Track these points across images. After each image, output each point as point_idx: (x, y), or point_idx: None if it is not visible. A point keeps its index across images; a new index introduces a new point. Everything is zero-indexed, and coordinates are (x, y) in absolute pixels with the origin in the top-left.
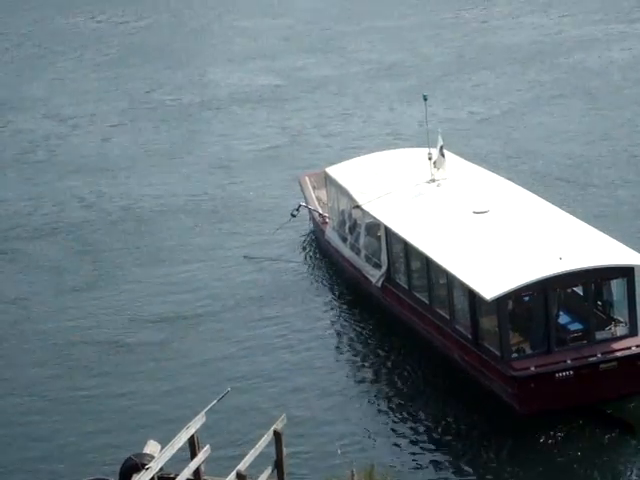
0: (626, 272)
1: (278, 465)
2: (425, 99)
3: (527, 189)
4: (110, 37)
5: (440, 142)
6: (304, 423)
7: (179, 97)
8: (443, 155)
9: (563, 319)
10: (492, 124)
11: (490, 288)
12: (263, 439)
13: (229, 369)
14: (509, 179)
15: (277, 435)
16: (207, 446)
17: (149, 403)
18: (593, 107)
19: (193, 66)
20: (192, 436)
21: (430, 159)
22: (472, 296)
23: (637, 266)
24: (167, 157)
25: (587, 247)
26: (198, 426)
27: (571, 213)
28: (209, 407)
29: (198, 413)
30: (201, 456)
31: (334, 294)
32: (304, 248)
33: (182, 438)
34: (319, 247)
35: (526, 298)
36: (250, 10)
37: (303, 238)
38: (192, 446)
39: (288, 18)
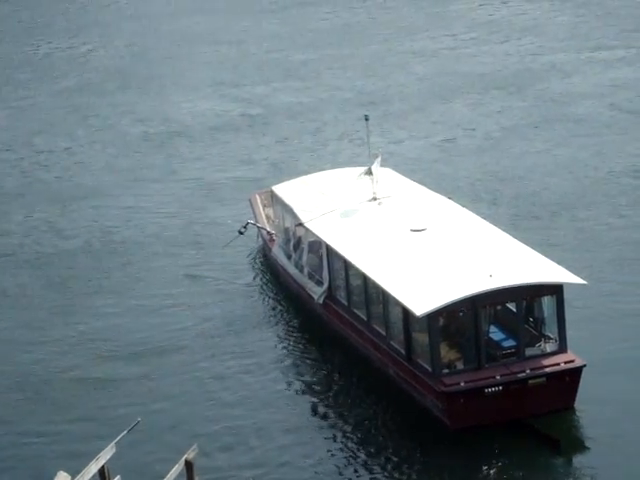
0: (555, 290)
1: None
2: (367, 119)
3: (489, 214)
4: (70, 64)
5: (377, 162)
6: (217, 452)
7: (143, 125)
8: (371, 173)
9: (494, 335)
10: (461, 152)
11: (421, 305)
12: (174, 469)
13: (142, 396)
14: (474, 206)
15: (188, 465)
16: (118, 477)
17: (59, 433)
18: (560, 134)
19: (155, 94)
20: (102, 467)
21: (367, 175)
22: (405, 313)
23: (566, 284)
24: (132, 184)
25: (518, 265)
26: (108, 457)
27: (525, 238)
28: (119, 438)
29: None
30: None
31: (279, 311)
32: (253, 265)
33: (92, 469)
34: (267, 264)
35: (459, 315)
36: (213, 37)
37: (252, 256)
38: (102, 477)
39: (251, 45)
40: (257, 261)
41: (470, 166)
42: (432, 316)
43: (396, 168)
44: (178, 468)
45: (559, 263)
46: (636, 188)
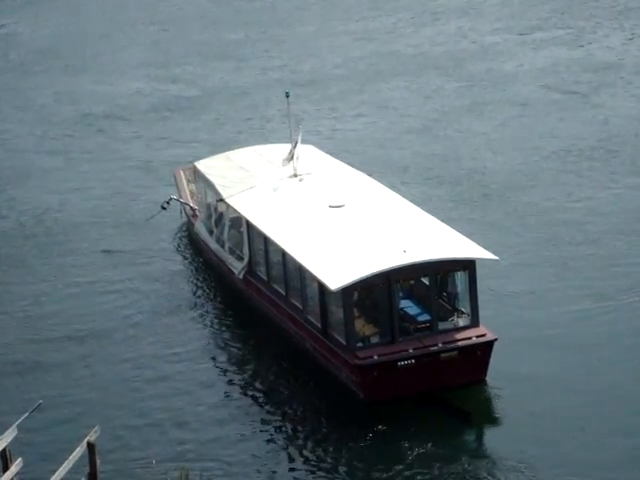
0: (467, 265)
1: (92, 477)
2: (287, 96)
3: (420, 193)
4: (7, 44)
5: (298, 138)
6: (123, 434)
7: (75, 106)
8: (295, 152)
9: (408, 310)
10: (395, 133)
11: (335, 279)
12: (76, 451)
13: (51, 380)
14: (406, 186)
15: (90, 447)
16: (19, 459)
17: None
18: (495, 115)
19: (87, 74)
20: (3, 449)
21: (289, 154)
22: (321, 287)
23: (478, 259)
24: (63, 165)
25: (432, 241)
26: (9, 439)
27: (452, 216)
28: (20, 420)
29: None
30: (13, 469)
31: (200, 286)
32: (176, 241)
33: None
34: (190, 240)
35: (373, 289)
36: (145, 18)
37: (176, 232)
38: (4, 459)
39: (183, 26)
40: (181, 237)
41: (404, 147)
42: (346, 290)
43: (329, 148)
44: (80, 450)
45: (483, 241)
46: (568, 170)
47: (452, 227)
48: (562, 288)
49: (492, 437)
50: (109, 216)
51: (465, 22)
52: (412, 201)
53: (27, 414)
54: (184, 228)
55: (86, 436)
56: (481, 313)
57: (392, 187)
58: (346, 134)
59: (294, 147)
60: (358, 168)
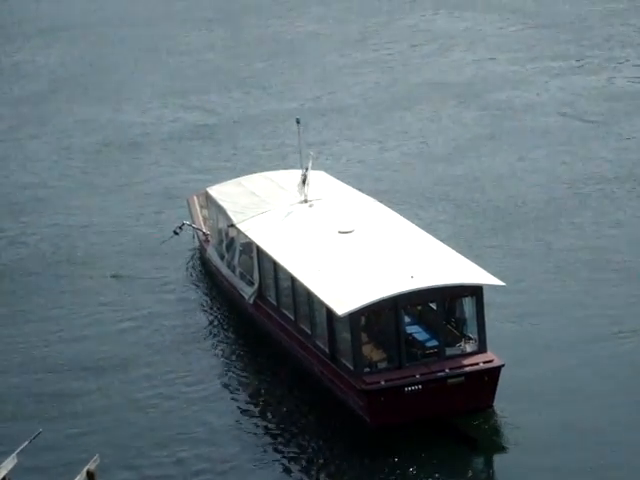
0: (474, 290)
1: None
2: (298, 122)
3: (434, 219)
4: (19, 73)
5: (309, 164)
6: (125, 463)
7: (94, 134)
8: (305, 178)
9: (416, 335)
10: (413, 161)
11: (343, 304)
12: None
13: (50, 409)
14: (421, 212)
15: (90, 475)
16: None
17: None
18: (513, 143)
19: (105, 103)
20: (3, 478)
21: (301, 180)
22: (329, 312)
23: (485, 285)
24: (82, 193)
25: (440, 266)
26: (10, 467)
27: (466, 243)
28: (20, 449)
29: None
30: None
31: (212, 311)
32: (189, 267)
33: None
34: (203, 265)
35: (380, 314)
36: (163, 46)
37: (189, 257)
38: None
39: (201, 55)
40: (194, 262)
41: (425, 175)
42: (353, 316)
43: (348, 176)
44: (80, 479)
45: (506, 269)
46: (591, 198)
47: (476, 256)
48: (583, 317)
49: (499, 464)
50: (127, 243)
51: (483, 51)
52: (432, 229)
53: (27, 442)
54: (197, 253)
55: (86, 465)
56: (499, 340)
57: (412, 215)
58: (366, 162)
59: (306, 172)
60: (378, 196)
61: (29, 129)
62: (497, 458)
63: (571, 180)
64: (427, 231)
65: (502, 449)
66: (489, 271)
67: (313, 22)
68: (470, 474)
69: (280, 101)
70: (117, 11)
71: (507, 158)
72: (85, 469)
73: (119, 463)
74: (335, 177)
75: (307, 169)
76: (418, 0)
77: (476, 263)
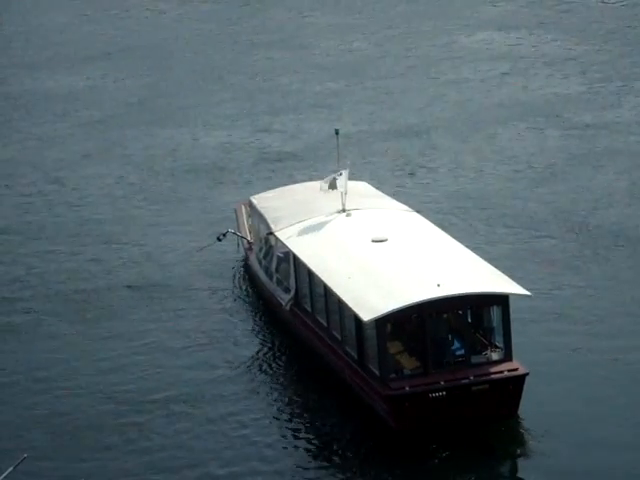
0: (500, 299)
1: None
2: (337, 133)
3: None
4: (91, 97)
5: (341, 173)
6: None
7: (170, 158)
8: (335, 184)
9: (441, 342)
10: (510, 183)
11: (369, 311)
12: None
13: (35, 430)
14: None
15: None
16: None
17: None
18: (613, 165)
19: (180, 126)
20: None
21: (331, 187)
22: (357, 319)
23: (512, 294)
24: (160, 216)
25: (467, 275)
26: None
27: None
28: (5, 474)
29: None
30: None
31: (252, 317)
32: (233, 274)
33: None
34: (246, 272)
35: (406, 321)
36: (232, 68)
37: (234, 265)
38: None
39: (276, 76)
40: (238, 270)
41: (515, 196)
42: (379, 322)
43: (430, 195)
44: None
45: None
46: None
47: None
48: (612, 327)
49: (521, 472)
50: (194, 257)
51: (566, 69)
52: (542, 251)
53: (12, 468)
54: (241, 262)
55: None
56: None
57: (498, 236)
58: (450, 184)
59: (337, 176)
60: (463, 219)
61: (100, 152)
62: (519, 465)
63: None
64: (535, 257)
65: (524, 457)
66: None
67: (379, 42)
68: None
69: (358, 122)
70: (174, 36)
71: (600, 180)
72: None
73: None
74: (421, 200)
75: (341, 174)
76: (475, 21)
77: (579, 287)
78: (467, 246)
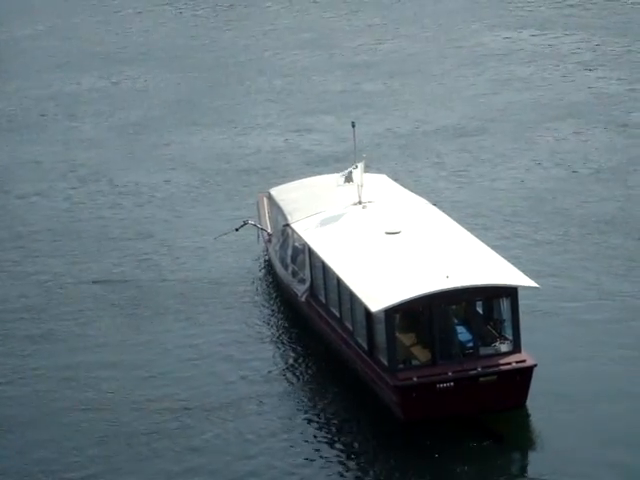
0: (509, 291)
1: None
2: (353, 126)
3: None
4: (131, 97)
5: (357, 166)
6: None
7: (212, 160)
8: (352, 179)
9: (450, 333)
10: (572, 185)
11: (377, 301)
12: None
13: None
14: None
15: None
16: None
17: None
18: None
19: (222, 128)
20: None
21: (347, 180)
22: (367, 310)
23: (520, 286)
24: (197, 219)
25: (477, 267)
26: None
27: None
28: None
29: None
30: None
31: (269, 308)
32: (253, 264)
33: None
34: (265, 264)
35: (415, 312)
36: (270, 71)
37: (254, 256)
38: None
39: (318, 76)
40: (258, 261)
41: (576, 198)
42: (388, 312)
43: (477, 198)
44: None
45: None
46: None
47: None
48: (621, 318)
49: (529, 462)
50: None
51: (610, 68)
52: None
53: None
54: (261, 253)
55: None
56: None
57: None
58: (499, 186)
59: (353, 169)
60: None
61: (142, 155)
62: (527, 456)
63: None
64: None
65: (532, 447)
66: None
67: (420, 41)
68: (499, 471)
69: (399, 124)
70: (209, 36)
71: None
72: None
73: None
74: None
75: (356, 167)
76: (507, 19)
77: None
78: (511, 248)
